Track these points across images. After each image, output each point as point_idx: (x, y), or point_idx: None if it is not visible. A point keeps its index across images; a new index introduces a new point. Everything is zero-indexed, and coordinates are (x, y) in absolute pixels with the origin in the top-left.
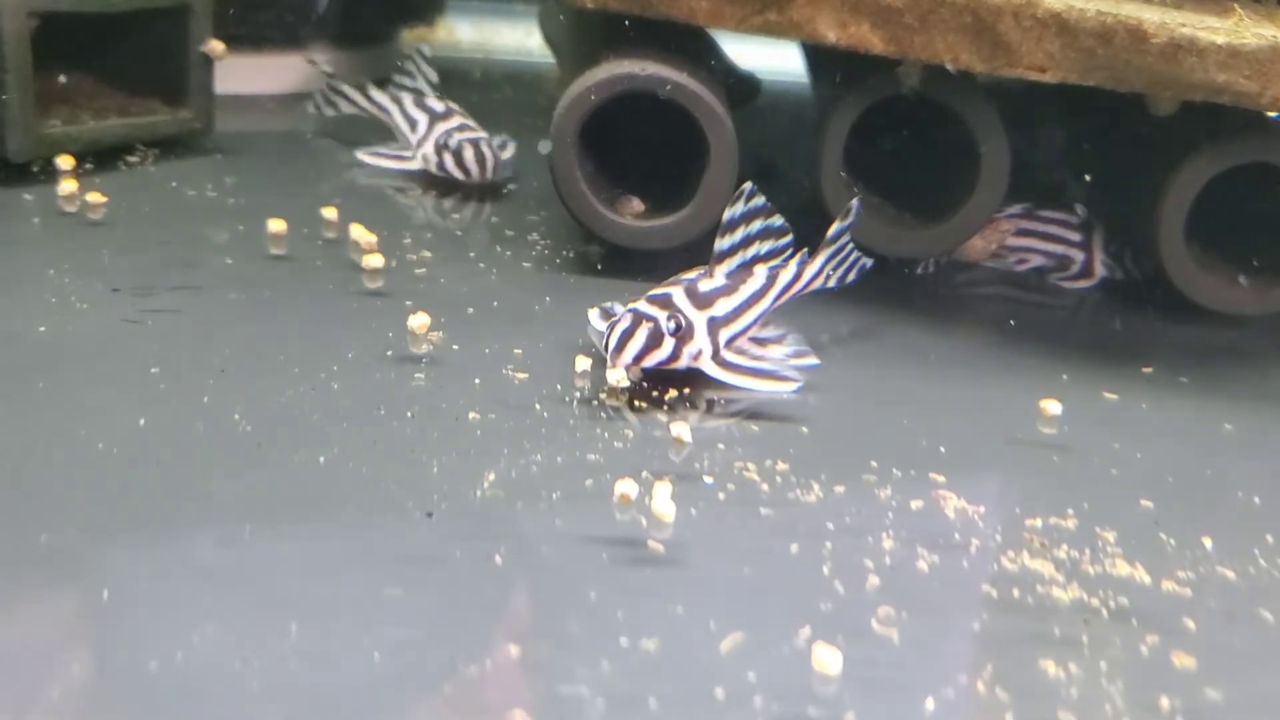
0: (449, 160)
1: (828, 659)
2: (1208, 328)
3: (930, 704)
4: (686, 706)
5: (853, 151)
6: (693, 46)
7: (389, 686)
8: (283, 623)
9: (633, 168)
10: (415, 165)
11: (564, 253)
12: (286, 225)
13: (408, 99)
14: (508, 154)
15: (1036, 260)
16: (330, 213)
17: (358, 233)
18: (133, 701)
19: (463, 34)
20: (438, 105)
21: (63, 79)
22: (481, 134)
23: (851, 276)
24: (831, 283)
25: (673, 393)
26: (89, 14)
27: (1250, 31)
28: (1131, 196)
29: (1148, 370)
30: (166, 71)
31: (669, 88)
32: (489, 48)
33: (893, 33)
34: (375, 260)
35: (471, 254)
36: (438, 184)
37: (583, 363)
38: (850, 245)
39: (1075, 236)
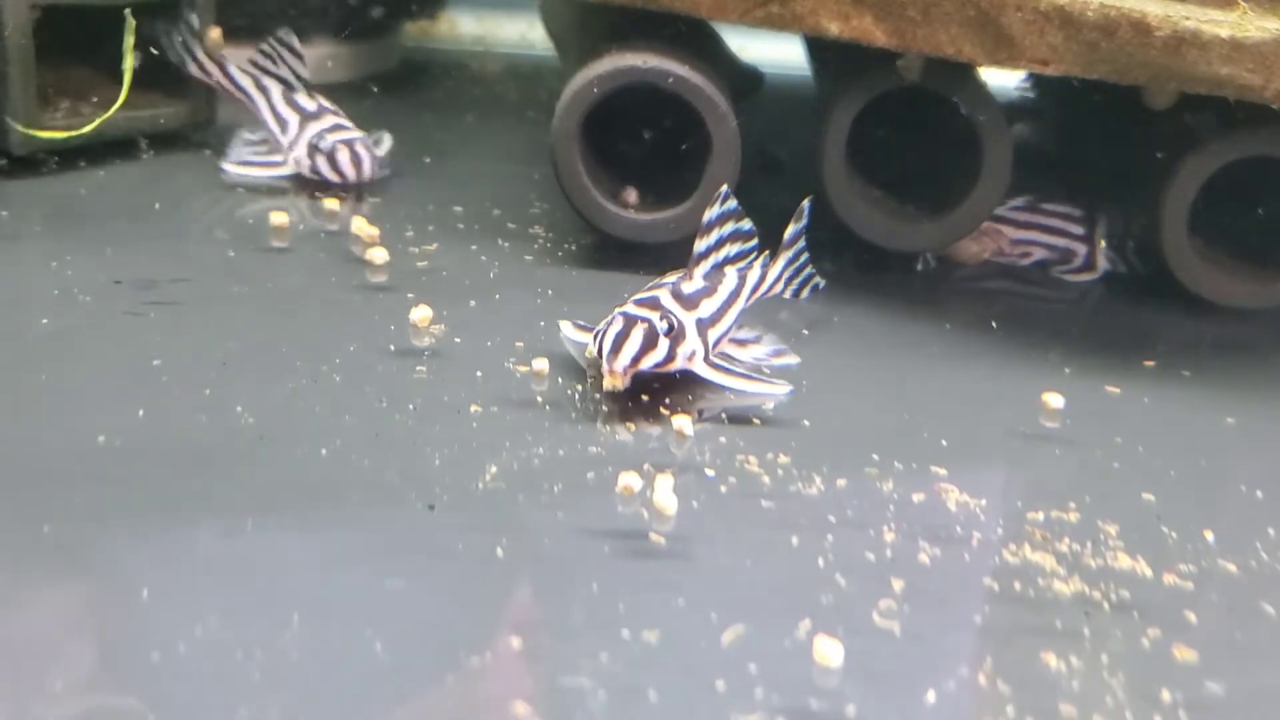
0: (322, 163)
1: (829, 651)
2: (1210, 321)
3: (931, 696)
4: (687, 698)
5: (855, 145)
6: (695, 39)
7: (391, 678)
8: (285, 614)
9: (635, 160)
10: (287, 170)
11: (566, 246)
12: (288, 218)
13: (276, 92)
14: (383, 150)
15: (1039, 253)
16: (333, 205)
17: (360, 226)
18: (135, 692)
19: (465, 27)
20: (308, 103)
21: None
22: (356, 133)
23: (805, 293)
24: (788, 292)
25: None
26: (91, 7)
27: (1254, 24)
28: (1134, 190)
29: (1150, 364)
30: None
31: (671, 81)
32: (491, 41)
33: (895, 25)
34: (377, 253)
35: (473, 247)
36: (311, 187)
37: (588, 357)
38: (806, 256)
39: (1078, 230)
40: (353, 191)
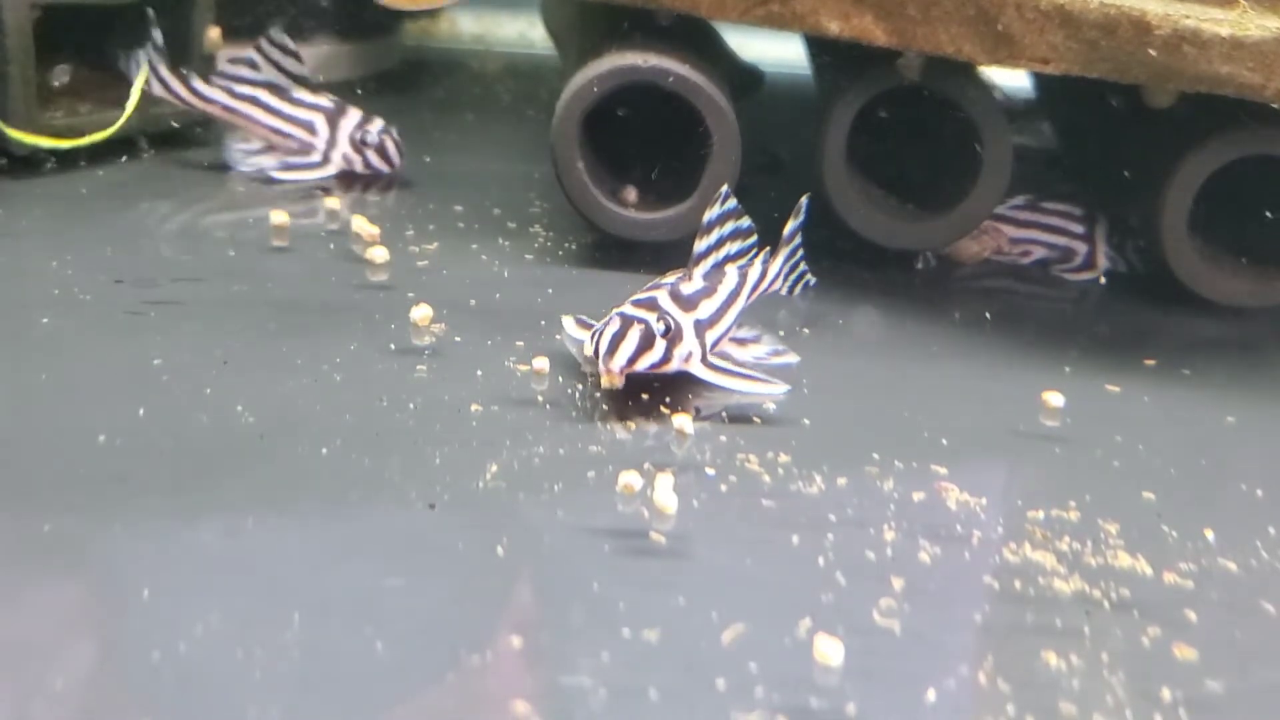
0: (373, 157)
1: (829, 650)
2: (1210, 320)
3: (932, 695)
4: (688, 697)
5: (855, 143)
6: (695, 38)
7: (391, 677)
8: (285, 613)
9: (635, 159)
10: (333, 169)
11: (566, 244)
12: (289, 217)
13: (267, 96)
14: None
15: (1039, 252)
16: (333, 204)
17: (360, 225)
18: (135, 692)
19: (465, 26)
20: (322, 100)
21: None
22: (381, 121)
23: (799, 289)
24: (784, 289)
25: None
26: (91, 5)
27: (1254, 23)
28: (1134, 189)
29: (1150, 362)
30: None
31: (671, 79)
32: (491, 40)
33: (895, 24)
34: (378, 252)
35: (474, 246)
36: (358, 182)
37: (585, 355)
38: (802, 253)
39: (1078, 228)
40: (396, 181)
